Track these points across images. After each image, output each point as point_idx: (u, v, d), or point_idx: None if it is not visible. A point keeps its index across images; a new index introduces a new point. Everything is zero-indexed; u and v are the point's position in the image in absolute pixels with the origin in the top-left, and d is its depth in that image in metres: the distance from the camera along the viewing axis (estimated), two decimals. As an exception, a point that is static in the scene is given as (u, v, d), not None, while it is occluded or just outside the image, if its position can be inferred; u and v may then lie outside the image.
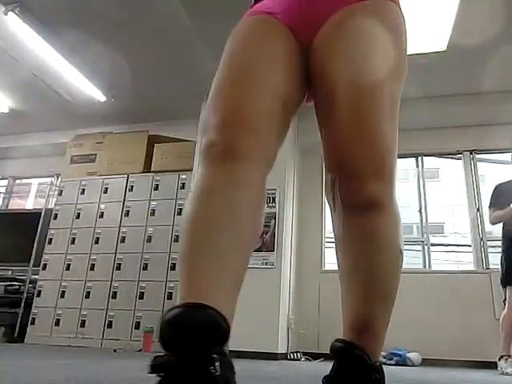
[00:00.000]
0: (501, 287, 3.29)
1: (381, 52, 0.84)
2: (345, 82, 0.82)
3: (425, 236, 4.61)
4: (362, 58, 0.83)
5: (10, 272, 4.96)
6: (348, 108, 0.82)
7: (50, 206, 5.13)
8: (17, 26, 3.58)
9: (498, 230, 3.42)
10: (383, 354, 3.74)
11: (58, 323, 4.26)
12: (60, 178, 5.17)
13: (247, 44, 0.88)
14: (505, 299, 3.19)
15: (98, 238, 4.49)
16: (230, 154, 0.74)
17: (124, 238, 4.42)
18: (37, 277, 4.56)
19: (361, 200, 0.81)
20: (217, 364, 0.54)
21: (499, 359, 3.09)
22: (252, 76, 0.83)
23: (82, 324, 4.19)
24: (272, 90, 0.83)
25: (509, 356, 3.06)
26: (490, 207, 3.40)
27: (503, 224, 3.30)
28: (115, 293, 4.21)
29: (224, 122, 0.77)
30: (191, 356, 0.53)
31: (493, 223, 3.41)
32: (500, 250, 3.33)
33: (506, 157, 4.67)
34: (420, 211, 4.69)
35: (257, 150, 0.77)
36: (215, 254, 0.67)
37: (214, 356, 0.55)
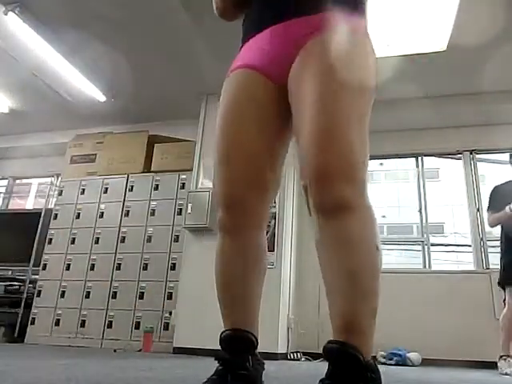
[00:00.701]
0: (499, 288, 3.29)
1: (344, 73, 0.94)
2: (314, 97, 0.93)
3: (425, 236, 4.62)
4: (328, 78, 0.94)
5: (10, 272, 4.96)
6: (317, 120, 0.91)
7: (49, 206, 5.12)
8: (17, 26, 3.58)
9: (497, 230, 3.42)
10: (383, 353, 3.74)
11: (58, 323, 4.26)
12: (60, 178, 5.17)
13: (234, 112, 1.08)
14: (505, 299, 3.19)
15: (97, 238, 4.49)
16: (238, 228, 1.07)
17: (124, 237, 4.42)
18: (37, 277, 4.56)
19: (332, 203, 0.86)
20: (250, 361, 0.98)
21: (499, 359, 3.09)
22: (242, 148, 1.05)
23: (82, 324, 4.19)
24: (263, 155, 1.07)
25: (508, 356, 3.06)
26: (488, 210, 3.39)
27: (502, 225, 3.31)
28: (115, 293, 4.21)
29: (227, 204, 1.05)
30: (236, 356, 0.98)
31: (491, 226, 3.42)
32: (499, 250, 3.33)
33: (505, 157, 4.67)
34: (420, 211, 4.69)
35: (257, 216, 1.08)
36: (241, 298, 1.08)
37: (249, 356, 0.99)
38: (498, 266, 3.33)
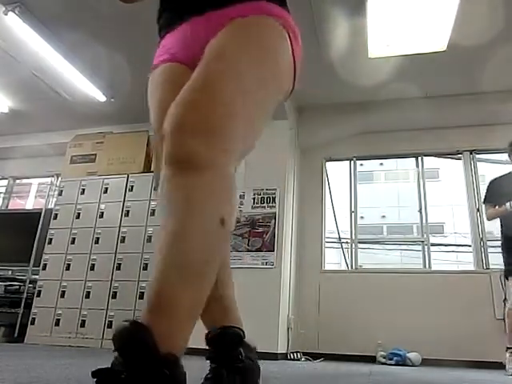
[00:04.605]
0: (502, 284, 3.30)
1: (239, 48, 0.90)
2: (207, 56, 0.88)
3: (425, 236, 4.62)
4: (231, 39, 0.91)
5: (10, 272, 4.96)
6: (197, 73, 0.85)
7: (49, 206, 5.12)
8: (17, 25, 3.58)
9: (498, 230, 3.43)
10: (383, 353, 3.73)
11: (58, 323, 4.25)
12: (60, 178, 5.17)
13: (165, 104, 0.97)
14: (505, 299, 3.19)
15: (97, 238, 4.49)
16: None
17: (124, 237, 4.41)
18: (37, 277, 4.56)
19: (180, 157, 0.76)
20: (242, 352, 1.01)
21: (506, 350, 3.06)
22: None
23: (82, 324, 4.18)
24: None
25: None
26: (484, 202, 3.45)
27: (500, 220, 3.32)
28: (115, 293, 4.21)
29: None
30: (227, 350, 1.00)
31: (488, 219, 3.53)
32: (500, 243, 3.34)
33: (505, 157, 4.68)
34: (420, 211, 4.70)
35: None
36: (217, 296, 1.04)
37: (240, 348, 1.02)
38: (498, 265, 3.34)
